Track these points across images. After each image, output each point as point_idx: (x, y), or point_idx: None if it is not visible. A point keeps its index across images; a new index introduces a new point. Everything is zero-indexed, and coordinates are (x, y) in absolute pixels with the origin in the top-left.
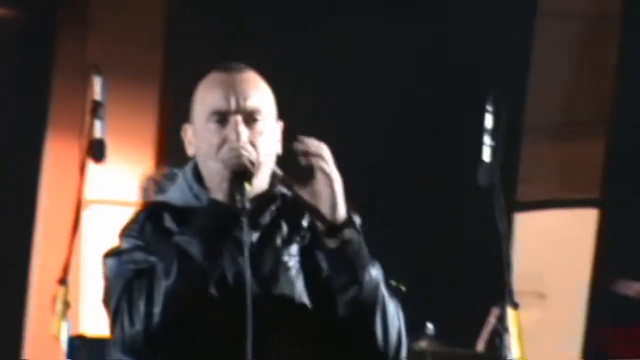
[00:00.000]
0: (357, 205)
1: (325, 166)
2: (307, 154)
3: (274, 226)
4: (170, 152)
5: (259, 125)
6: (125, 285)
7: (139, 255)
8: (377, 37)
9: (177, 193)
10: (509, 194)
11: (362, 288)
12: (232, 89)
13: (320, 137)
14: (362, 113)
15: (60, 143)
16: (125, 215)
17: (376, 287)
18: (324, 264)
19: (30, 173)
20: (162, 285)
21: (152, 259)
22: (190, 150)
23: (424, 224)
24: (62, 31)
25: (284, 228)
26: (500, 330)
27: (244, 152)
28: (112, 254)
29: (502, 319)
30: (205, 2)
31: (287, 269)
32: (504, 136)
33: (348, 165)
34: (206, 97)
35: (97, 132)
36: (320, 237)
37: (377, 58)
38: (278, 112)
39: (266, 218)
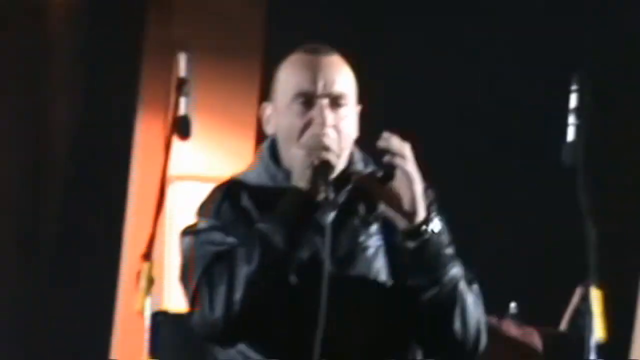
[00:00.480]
0: (440, 185)
1: (406, 166)
2: (389, 150)
3: (351, 205)
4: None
5: (344, 110)
6: (205, 268)
7: (216, 236)
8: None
9: (254, 172)
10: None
11: (441, 289)
12: (320, 71)
13: (403, 119)
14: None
15: (150, 120)
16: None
17: (455, 286)
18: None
19: (122, 150)
20: (243, 272)
21: (230, 240)
22: (269, 130)
23: (508, 203)
24: (150, 7)
25: (361, 207)
26: (583, 311)
27: (329, 142)
28: (189, 232)
29: (585, 298)
30: None
31: (365, 248)
32: (589, 115)
33: (430, 145)
34: (291, 78)
35: (182, 109)
36: (399, 236)
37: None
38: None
39: (343, 197)
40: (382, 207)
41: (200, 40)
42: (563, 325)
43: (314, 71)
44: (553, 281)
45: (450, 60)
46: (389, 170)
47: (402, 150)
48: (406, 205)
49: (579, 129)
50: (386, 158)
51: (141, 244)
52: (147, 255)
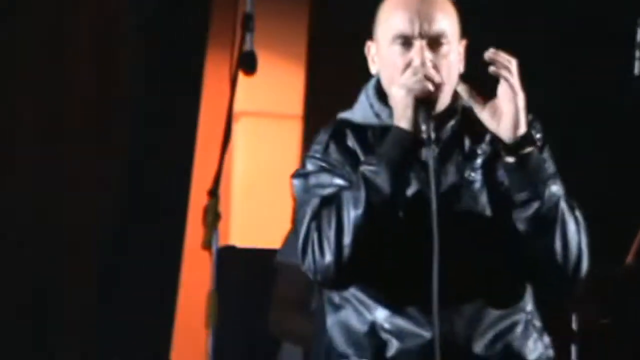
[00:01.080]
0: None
1: (511, 79)
2: (496, 63)
3: (455, 141)
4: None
5: (444, 49)
6: (314, 212)
7: (324, 178)
8: None
9: (359, 110)
10: None
11: (542, 203)
12: (417, 12)
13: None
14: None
15: (218, 55)
16: (277, 128)
17: (557, 203)
18: (505, 179)
19: (191, 85)
20: (352, 216)
21: (338, 181)
22: (373, 69)
23: (578, 138)
24: None
25: (466, 142)
26: None
27: (428, 78)
28: (299, 175)
29: None
30: None
31: (470, 182)
32: None
33: None
34: (390, 19)
35: (248, 45)
36: (500, 152)
37: None
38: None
39: (447, 132)
40: (485, 119)
41: None
42: (629, 258)
43: (411, 11)
44: (620, 215)
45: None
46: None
47: (508, 64)
48: (509, 118)
49: None
50: (492, 69)
51: (208, 180)
52: (214, 191)
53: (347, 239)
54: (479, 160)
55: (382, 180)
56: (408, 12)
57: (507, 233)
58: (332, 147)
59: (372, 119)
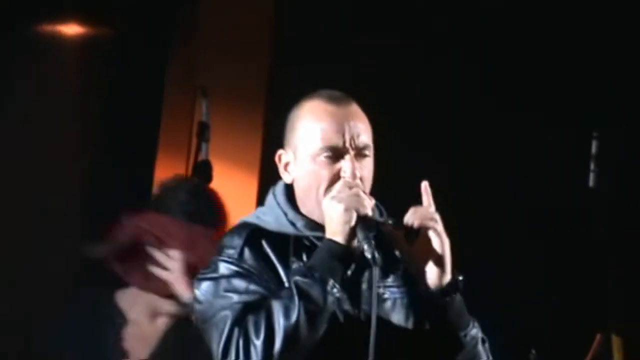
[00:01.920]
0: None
1: (440, 229)
2: (422, 219)
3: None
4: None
5: (367, 161)
6: (236, 318)
7: (239, 283)
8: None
9: (271, 218)
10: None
11: (463, 348)
12: (345, 124)
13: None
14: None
15: (172, 163)
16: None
17: (475, 344)
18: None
19: (142, 189)
20: (282, 326)
21: (254, 287)
22: (287, 178)
23: (528, 251)
24: (173, 53)
25: (380, 259)
26: (603, 357)
27: (366, 198)
28: (208, 277)
29: (605, 345)
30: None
31: (383, 300)
32: (612, 162)
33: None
34: (316, 129)
35: (203, 154)
36: (425, 296)
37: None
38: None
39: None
40: (407, 263)
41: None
42: None
43: (339, 123)
44: (573, 328)
45: (459, 107)
46: (411, 230)
47: (435, 216)
48: (437, 266)
49: (599, 175)
50: (416, 223)
51: None
52: None
53: (276, 348)
54: (391, 277)
55: (317, 293)
56: (335, 123)
57: (424, 351)
58: (247, 253)
59: (287, 228)
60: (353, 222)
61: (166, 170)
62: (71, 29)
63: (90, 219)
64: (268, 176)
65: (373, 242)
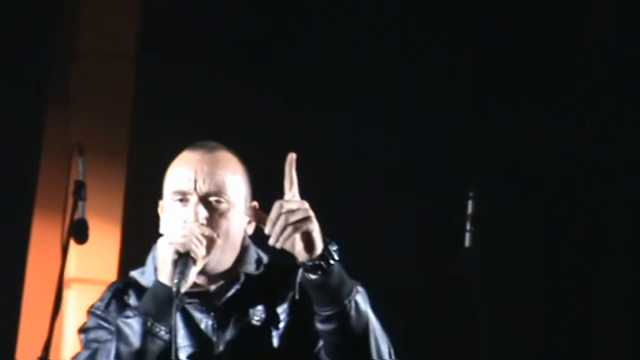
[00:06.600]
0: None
1: (302, 225)
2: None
3: (231, 307)
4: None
5: (222, 207)
6: None
7: (101, 334)
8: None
9: (147, 272)
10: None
11: (349, 315)
12: (196, 168)
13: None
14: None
15: (47, 221)
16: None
17: (364, 311)
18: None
19: (16, 252)
20: None
21: (110, 336)
22: (161, 227)
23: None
24: (48, 111)
25: (241, 310)
26: None
27: (191, 235)
28: (82, 330)
29: None
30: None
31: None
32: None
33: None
34: (171, 175)
35: (80, 213)
36: (303, 273)
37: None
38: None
39: (225, 298)
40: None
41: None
42: None
43: (190, 168)
44: None
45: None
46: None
47: (296, 210)
48: (305, 240)
49: (475, 235)
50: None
51: (37, 348)
52: (44, 359)
53: None
54: (251, 328)
55: (132, 333)
56: (187, 168)
57: None
58: (114, 305)
59: (150, 278)
60: (171, 259)
61: (44, 228)
62: None
63: None
64: (132, 229)
65: (184, 276)
